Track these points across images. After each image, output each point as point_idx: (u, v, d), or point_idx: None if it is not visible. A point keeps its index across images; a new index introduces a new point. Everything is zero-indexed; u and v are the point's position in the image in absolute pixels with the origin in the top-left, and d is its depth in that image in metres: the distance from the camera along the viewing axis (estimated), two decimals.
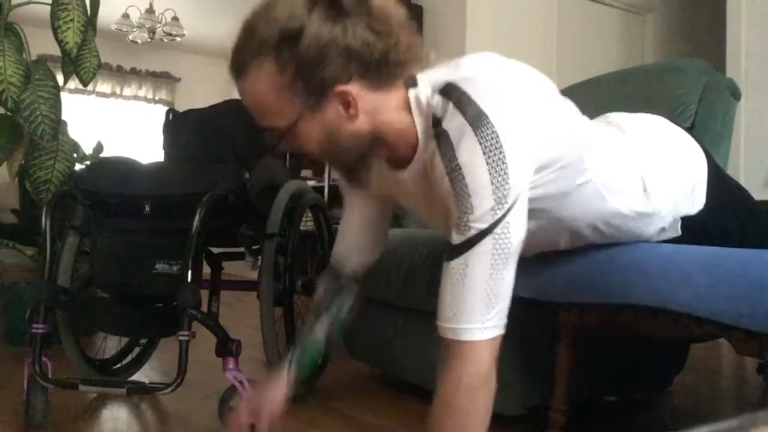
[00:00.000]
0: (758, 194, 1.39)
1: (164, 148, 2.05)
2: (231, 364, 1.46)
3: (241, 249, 1.94)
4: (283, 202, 1.80)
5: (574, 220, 1.10)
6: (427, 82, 0.95)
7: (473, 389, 0.88)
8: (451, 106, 0.88)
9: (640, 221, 1.13)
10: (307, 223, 3.24)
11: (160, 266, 1.48)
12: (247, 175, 1.60)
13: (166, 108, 7.84)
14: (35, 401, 1.54)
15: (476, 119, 0.85)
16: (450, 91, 0.89)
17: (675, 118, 1.52)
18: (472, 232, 0.86)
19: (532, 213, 0.94)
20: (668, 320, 1.10)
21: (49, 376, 1.54)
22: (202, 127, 1.93)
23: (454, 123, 0.87)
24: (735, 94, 1.57)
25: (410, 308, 1.75)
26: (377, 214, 1.20)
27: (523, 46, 3.80)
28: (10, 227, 2.69)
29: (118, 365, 2.04)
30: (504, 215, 0.85)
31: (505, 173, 0.85)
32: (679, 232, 1.18)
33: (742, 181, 2.92)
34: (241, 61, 0.91)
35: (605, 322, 1.23)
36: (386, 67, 0.90)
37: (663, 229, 1.18)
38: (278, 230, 1.74)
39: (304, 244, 2.04)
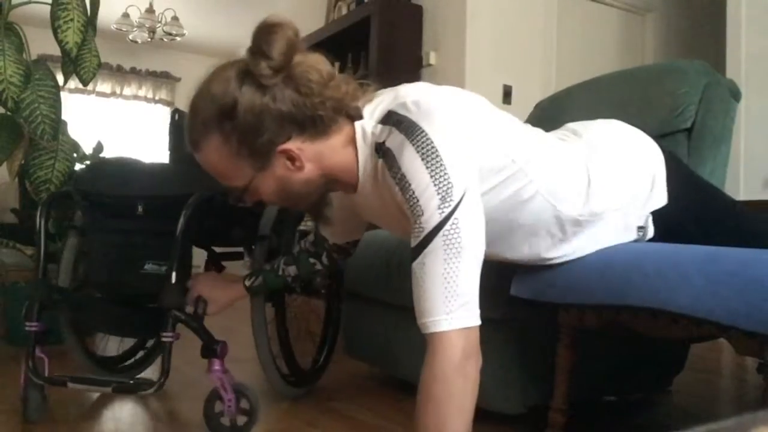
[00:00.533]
0: (758, 194, 1.40)
1: (169, 148, 2.06)
2: (216, 366, 1.46)
3: (241, 249, 1.95)
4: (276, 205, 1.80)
5: (531, 228, 1.14)
6: (370, 113, 1.05)
7: (447, 378, 0.92)
8: (389, 128, 0.99)
9: (598, 222, 1.17)
10: (307, 223, 3.24)
11: (149, 266, 1.50)
12: None
13: (165, 107, 7.82)
14: (31, 397, 1.55)
15: (411, 132, 0.95)
16: (388, 118, 1.00)
17: (675, 118, 1.52)
18: (425, 232, 0.93)
19: (487, 222, 1.00)
20: (667, 321, 1.10)
21: (45, 373, 1.55)
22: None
23: (395, 140, 0.97)
24: (735, 94, 1.57)
25: (409, 307, 1.75)
26: (350, 214, 1.30)
27: (523, 46, 3.81)
28: (10, 227, 2.69)
29: (126, 363, 2.06)
30: (452, 212, 0.91)
31: (444, 172, 0.92)
32: (652, 227, 1.22)
33: (742, 181, 2.92)
34: (193, 138, 1.03)
35: (605, 322, 1.23)
36: (319, 121, 1.01)
37: (641, 228, 1.23)
38: (269, 231, 1.74)
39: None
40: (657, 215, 1.23)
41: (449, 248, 0.91)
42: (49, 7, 2.36)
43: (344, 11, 4.49)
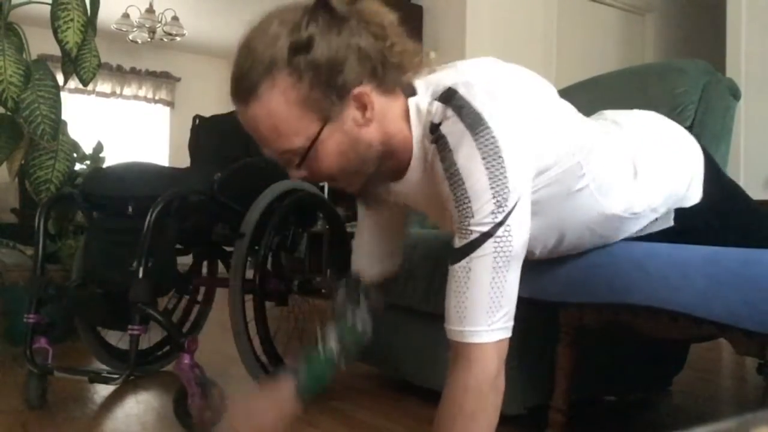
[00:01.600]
0: (758, 194, 1.40)
1: (189, 152, 2.13)
2: (185, 360, 1.49)
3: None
4: (263, 202, 1.81)
5: (566, 221, 1.10)
6: (425, 90, 0.94)
7: (481, 392, 0.87)
8: (449, 111, 0.88)
9: (633, 219, 1.13)
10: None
11: (135, 264, 1.52)
12: (218, 176, 1.62)
13: (165, 107, 7.82)
14: (30, 384, 1.64)
15: (475, 125, 0.86)
16: (449, 97, 0.89)
17: (675, 117, 1.51)
18: (474, 235, 0.86)
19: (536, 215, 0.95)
20: (668, 320, 1.10)
21: (48, 362, 1.65)
22: (221, 131, 2.00)
23: (453, 128, 0.87)
24: (735, 94, 1.57)
25: (410, 308, 1.75)
26: (389, 221, 1.19)
27: (523, 46, 3.81)
28: (10, 227, 2.69)
29: (153, 355, 2.10)
30: (505, 218, 0.85)
31: (504, 177, 0.85)
32: (672, 223, 1.18)
33: (742, 181, 2.92)
34: (249, 83, 0.86)
35: (605, 322, 1.23)
36: (387, 69, 0.90)
37: (656, 220, 1.18)
38: (253, 229, 1.75)
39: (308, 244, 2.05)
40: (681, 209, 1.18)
41: (500, 256, 0.86)
42: (49, 7, 2.37)
43: None
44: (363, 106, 0.89)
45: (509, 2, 3.80)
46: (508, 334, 0.89)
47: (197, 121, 2.11)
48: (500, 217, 0.85)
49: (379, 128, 0.92)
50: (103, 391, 1.86)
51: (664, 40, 4.47)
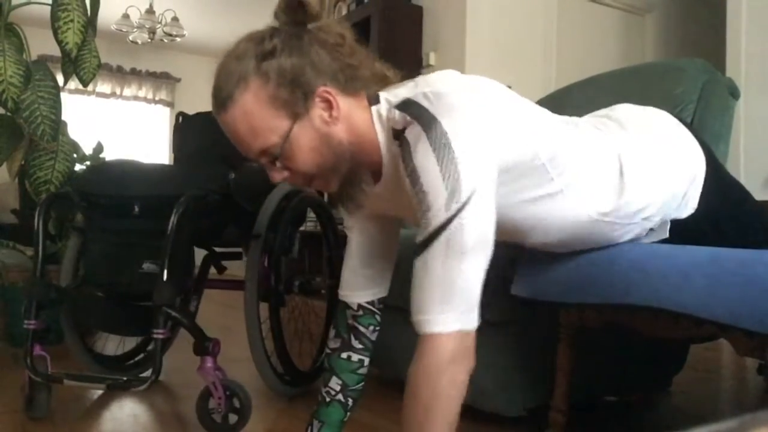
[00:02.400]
0: (758, 194, 1.39)
1: (173, 150, 2.08)
2: (208, 363, 1.48)
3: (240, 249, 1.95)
4: (273, 203, 1.81)
5: (546, 222, 1.11)
6: (386, 100, 1.01)
7: (432, 380, 0.90)
8: (407, 117, 0.95)
9: (620, 225, 1.13)
10: (306, 224, 3.25)
11: (146, 266, 1.51)
12: (232, 176, 1.61)
13: (165, 108, 7.83)
14: (39, 395, 1.58)
15: (428, 124, 0.92)
16: (407, 105, 0.96)
17: (674, 116, 1.52)
18: (430, 229, 0.90)
19: (513, 218, 1.00)
20: (668, 320, 1.10)
21: (48, 370, 1.57)
22: (208, 129, 1.96)
23: (412, 131, 0.93)
24: (734, 93, 1.57)
25: (409, 308, 1.75)
26: (378, 245, 1.20)
27: (523, 47, 3.81)
28: (10, 227, 2.69)
29: (127, 363, 2.08)
30: (458, 211, 0.88)
31: (455, 170, 0.89)
32: (667, 235, 1.18)
33: (742, 181, 2.91)
34: (225, 93, 0.97)
35: (605, 322, 1.23)
36: (348, 74, 0.98)
37: (652, 230, 1.19)
38: (265, 231, 1.74)
39: (303, 244, 2.04)
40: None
41: (451, 248, 0.89)
42: (49, 8, 2.37)
43: (344, 11, 4.49)
44: (329, 105, 0.97)
45: (509, 2, 3.80)
46: (468, 326, 0.90)
47: (180, 118, 2.09)
48: (453, 209, 0.88)
49: (346, 128, 0.99)
50: (102, 392, 1.85)
51: (664, 40, 4.47)
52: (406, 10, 3.95)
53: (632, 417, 1.77)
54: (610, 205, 1.10)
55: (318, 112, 0.97)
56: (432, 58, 3.86)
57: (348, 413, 1.22)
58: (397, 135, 0.97)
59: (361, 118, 1.01)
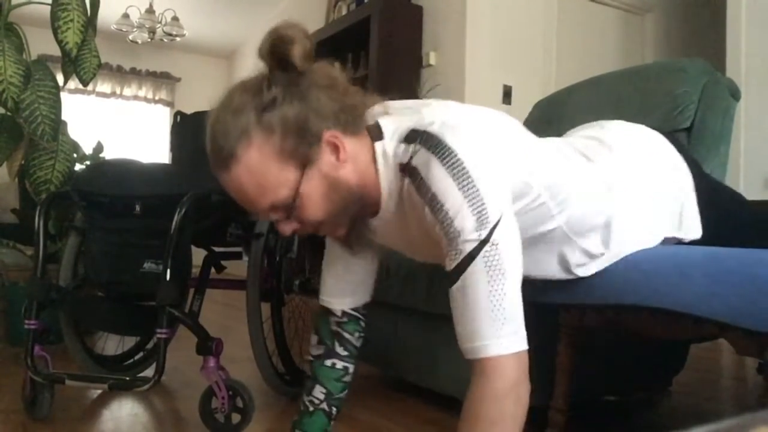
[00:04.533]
0: (758, 194, 1.39)
1: (171, 149, 2.08)
2: (211, 363, 1.48)
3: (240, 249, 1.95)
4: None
5: (554, 255, 1.13)
6: (392, 132, 0.98)
7: (500, 400, 0.89)
8: (415, 146, 0.93)
9: (601, 258, 1.15)
10: None
11: (147, 265, 1.51)
12: None
13: (165, 107, 7.84)
14: (41, 396, 1.58)
15: (439, 151, 0.90)
16: (413, 136, 0.94)
17: (674, 117, 1.52)
18: (463, 254, 0.88)
19: None
20: (668, 320, 1.10)
21: (48, 370, 1.58)
22: (204, 127, 1.95)
23: (421, 158, 0.91)
24: (735, 93, 1.57)
25: (410, 308, 1.75)
26: (360, 257, 1.18)
27: (523, 47, 3.81)
28: (10, 227, 2.69)
29: (125, 363, 2.08)
30: (490, 234, 0.87)
31: (477, 193, 0.88)
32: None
33: (742, 181, 2.91)
34: (226, 151, 0.92)
35: (605, 322, 1.23)
36: (348, 114, 0.96)
37: None
38: (267, 230, 1.74)
39: (303, 244, 2.05)
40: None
41: (492, 270, 0.88)
42: (49, 7, 2.37)
43: (344, 11, 4.49)
44: (336, 149, 0.95)
45: (509, 2, 3.80)
46: (522, 347, 0.90)
47: (178, 117, 2.09)
48: (485, 233, 0.87)
49: (354, 169, 0.97)
50: (102, 391, 1.85)
51: (664, 40, 4.47)
52: (406, 10, 3.95)
53: (632, 417, 1.77)
54: (597, 245, 1.12)
55: (326, 157, 0.94)
56: (432, 58, 3.86)
57: (332, 422, 1.20)
58: (404, 168, 0.94)
59: (365, 157, 0.98)
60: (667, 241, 1.19)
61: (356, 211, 0.99)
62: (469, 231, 0.87)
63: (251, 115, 0.91)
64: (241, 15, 6.41)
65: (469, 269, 0.88)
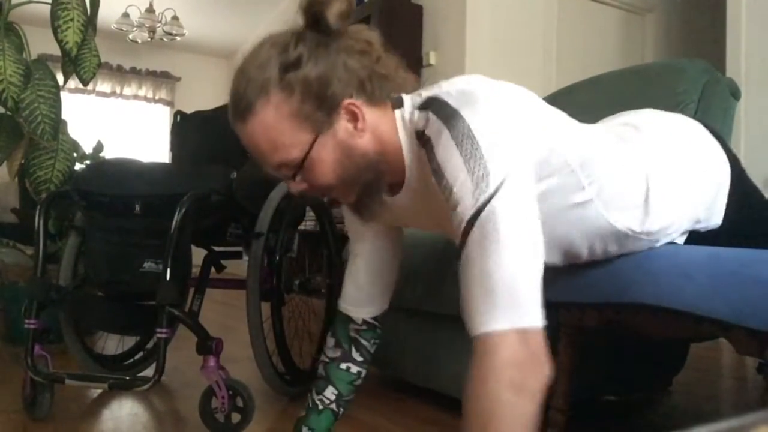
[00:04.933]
0: None
1: (171, 149, 2.08)
2: (211, 362, 1.48)
3: (239, 248, 1.95)
4: (274, 202, 1.81)
5: (572, 234, 1.06)
6: (411, 101, 0.98)
7: (489, 384, 0.77)
8: (429, 114, 0.91)
9: (642, 242, 1.09)
10: (306, 224, 3.24)
11: (147, 265, 1.51)
12: (234, 175, 1.61)
13: (165, 107, 7.84)
14: (41, 396, 1.58)
15: (450, 118, 0.88)
16: (429, 104, 0.93)
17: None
18: (462, 225, 0.84)
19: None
20: (669, 320, 1.10)
21: (48, 370, 1.58)
22: (206, 129, 1.96)
23: (433, 128, 0.89)
24: (735, 93, 1.57)
25: (410, 308, 1.75)
26: (386, 258, 1.18)
27: (523, 46, 3.81)
28: (10, 227, 2.69)
29: (125, 362, 2.09)
30: (488, 200, 0.82)
31: (479, 158, 0.84)
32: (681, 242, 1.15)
33: None
34: (245, 103, 0.92)
35: (606, 321, 1.23)
36: (375, 83, 0.95)
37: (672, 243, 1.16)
38: (267, 230, 1.74)
39: (303, 244, 2.05)
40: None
41: (485, 239, 0.81)
42: (49, 7, 2.37)
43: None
44: (354, 117, 0.94)
45: (509, 2, 3.80)
46: (529, 324, 0.79)
47: (179, 117, 2.09)
48: (482, 199, 0.82)
49: (372, 139, 0.96)
50: (102, 391, 1.86)
51: (664, 40, 4.47)
52: (406, 10, 3.95)
53: (632, 417, 1.77)
54: (637, 222, 1.06)
55: (343, 124, 0.93)
56: (432, 58, 3.86)
57: (336, 421, 1.21)
58: (420, 135, 0.93)
59: (387, 126, 0.97)
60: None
61: (369, 180, 0.98)
62: (467, 200, 0.83)
63: (274, 72, 0.90)
64: (241, 15, 6.41)
65: (467, 240, 0.83)
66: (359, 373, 1.21)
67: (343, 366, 1.20)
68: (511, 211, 0.82)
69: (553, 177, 0.97)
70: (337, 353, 1.21)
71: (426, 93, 0.97)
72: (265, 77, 0.91)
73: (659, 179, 1.07)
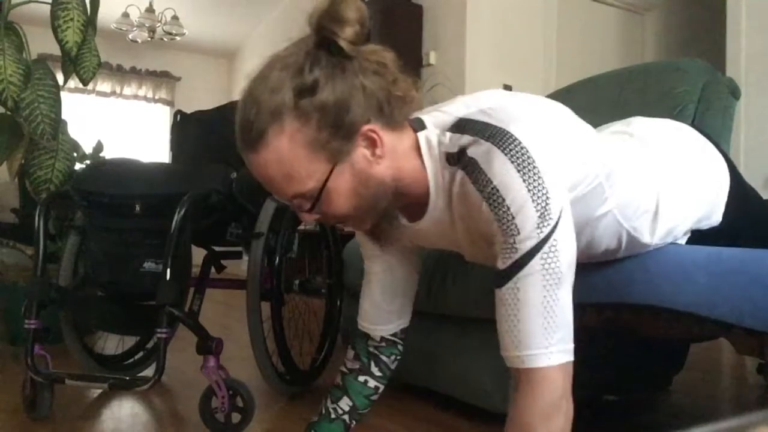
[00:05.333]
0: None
1: (171, 148, 2.08)
2: (211, 362, 1.48)
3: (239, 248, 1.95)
4: (274, 202, 1.81)
5: (592, 246, 1.07)
6: (433, 122, 0.93)
7: (549, 417, 0.83)
8: (468, 137, 0.87)
9: (647, 245, 1.10)
10: (306, 226, 3.24)
11: (147, 265, 1.51)
12: (234, 175, 1.61)
13: (165, 107, 7.84)
14: (41, 396, 1.58)
15: (500, 138, 0.83)
16: (462, 126, 0.89)
17: (674, 117, 1.51)
18: (520, 253, 0.82)
19: None
20: (669, 320, 1.10)
21: (48, 370, 1.58)
22: (206, 128, 1.96)
23: (479, 149, 0.85)
24: (734, 93, 1.57)
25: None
26: (401, 276, 1.15)
27: (523, 46, 3.81)
28: (10, 227, 2.69)
29: (125, 362, 2.09)
30: (551, 232, 0.82)
31: (543, 187, 0.81)
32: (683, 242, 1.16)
33: None
34: (257, 131, 0.85)
35: (606, 321, 1.23)
36: (393, 106, 0.89)
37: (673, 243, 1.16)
38: (267, 230, 1.74)
39: (302, 244, 2.05)
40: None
41: (549, 273, 0.81)
42: (49, 7, 2.36)
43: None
44: (373, 144, 0.88)
45: (509, 2, 3.80)
46: (570, 357, 0.84)
47: (178, 117, 2.09)
48: (546, 230, 0.81)
49: (390, 165, 0.90)
50: (102, 391, 1.85)
51: (664, 40, 4.47)
52: (406, 10, 3.95)
53: (632, 417, 1.77)
54: (646, 227, 1.06)
55: (361, 151, 0.88)
56: (432, 58, 3.86)
57: None
58: (453, 159, 0.88)
59: (407, 150, 0.92)
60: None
61: (387, 207, 0.94)
62: (530, 228, 0.81)
63: (288, 98, 0.83)
64: (242, 15, 6.41)
65: (525, 269, 0.82)
66: (377, 388, 1.17)
67: (361, 379, 1.16)
68: (567, 244, 0.83)
69: (583, 189, 0.95)
70: (356, 365, 1.17)
71: (451, 111, 0.93)
72: (278, 103, 0.84)
73: (668, 185, 1.07)
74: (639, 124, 1.21)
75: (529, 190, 0.81)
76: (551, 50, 3.95)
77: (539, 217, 0.81)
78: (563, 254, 0.82)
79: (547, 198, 0.81)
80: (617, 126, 1.24)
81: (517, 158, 0.82)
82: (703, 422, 0.37)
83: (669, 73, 1.60)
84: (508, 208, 0.82)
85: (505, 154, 0.82)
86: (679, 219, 1.09)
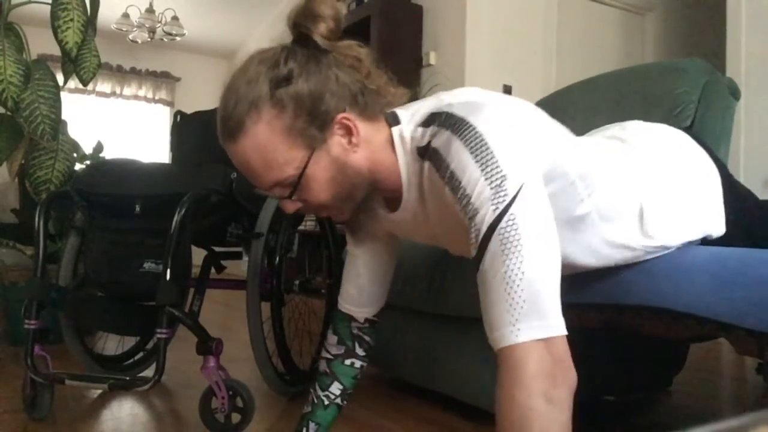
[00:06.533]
0: (758, 194, 1.39)
1: (171, 149, 2.08)
2: (211, 363, 1.48)
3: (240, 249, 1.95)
4: (274, 203, 1.81)
5: (570, 247, 1.05)
6: (408, 119, 0.97)
7: (519, 399, 0.78)
8: (434, 128, 0.90)
9: (642, 252, 1.09)
10: (306, 224, 3.24)
11: (147, 265, 1.51)
12: (234, 175, 1.61)
13: (165, 107, 7.84)
14: (41, 396, 1.58)
15: (458, 127, 0.86)
16: (431, 119, 0.92)
17: (674, 117, 1.52)
18: (481, 235, 0.81)
19: None
20: (670, 320, 1.10)
21: (48, 370, 1.58)
22: (206, 129, 1.95)
23: (440, 139, 0.88)
24: (735, 93, 1.57)
25: (410, 308, 1.75)
26: (385, 259, 1.21)
27: (523, 46, 3.81)
28: (10, 227, 2.69)
29: (126, 362, 2.09)
30: (507, 207, 0.80)
31: (495, 164, 0.82)
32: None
33: (742, 181, 2.91)
34: (235, 121, 0.89)
35: (605, 322, 1.23)
36: (367, 97, 0.94)
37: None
38: (267, 230, 1.74)
39: (303, 244, 2.05)
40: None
41: (507, 248, 0.79)
42: (49, 7, 2.37)
43: (344, 11, 4.49)
44: (348, 132, 0.92)
45: (509, 2, 3.80)
46: (551, 333, 0.79)
47: (179, 117, 2.09)
48: (501, 206, 0.80)
49: (366, 156, 0.95)
50: (102, 391, 1.85)
51: (664, 40, 4.47)
52: (406, 10, 3.95)
53: (632, 417, 1.77)
54: (633, 234, 1.06)
55: (337, 139, 0.92)
56: (432, 58, 3.86)
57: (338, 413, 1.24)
58: (423, 152, 0.91)
59: (381, 143, 0.96)
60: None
61: (364, 196, 0.98)
62: (485, 208, 0.81)
63: (264, 88, 0.88)
64: (241, 15, 6.41)
65: (487, 249, 0.80)
66: (362, 366, 1.24)
67: (348, 362, 1.22)
68: (531, 216, 0.81)
69: (554, 186, 0.95)
70: (341, 350, 1.22)
71: (425, 108, 0.96)
72: (255, 94, 0.88)
73: (652, 190, 1.06)
74: (633, 128, 1.21)
75: (482, 170, 0.82)
76: (551, 50, 3.95)
77: (494, 194, 0.81)
78: (525, 228, 0.80)
79: (501, 175, 0.81)
80: (614, 129, 1.24)
81: (470, 141, 0.84)
82: (703, 422, 0.37)
83: (669, 74, 1.60)
84: (464, 190, 0.83)
85: (461, 139, 0.85)
86: (670, 228, 1.08)
